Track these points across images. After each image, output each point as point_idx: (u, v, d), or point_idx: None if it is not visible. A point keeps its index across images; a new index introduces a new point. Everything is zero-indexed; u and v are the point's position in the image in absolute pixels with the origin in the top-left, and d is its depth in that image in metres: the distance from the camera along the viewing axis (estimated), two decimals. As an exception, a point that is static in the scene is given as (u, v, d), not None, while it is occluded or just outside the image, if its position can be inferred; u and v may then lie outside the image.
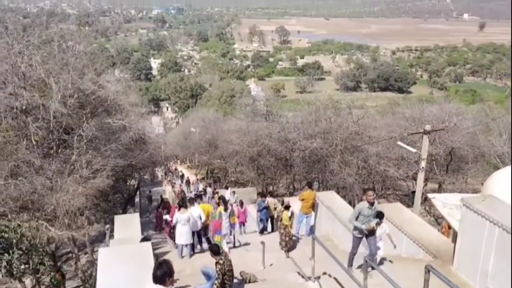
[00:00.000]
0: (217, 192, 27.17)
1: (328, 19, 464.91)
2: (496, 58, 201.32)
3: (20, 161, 14.08)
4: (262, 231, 16.88)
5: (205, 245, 13.30)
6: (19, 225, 12.37)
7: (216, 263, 8.63)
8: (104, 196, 20.44)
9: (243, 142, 28.36)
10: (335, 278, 9.26)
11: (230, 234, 14.22)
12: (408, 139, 23.23)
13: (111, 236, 13.51)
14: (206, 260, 10.21)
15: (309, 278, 9.42)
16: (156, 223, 22.40)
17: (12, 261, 11.65)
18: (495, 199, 8.23)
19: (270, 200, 17.12)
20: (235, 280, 9.26)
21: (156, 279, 5.48)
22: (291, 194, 28.17)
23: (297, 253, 12.83)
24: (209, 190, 31.98)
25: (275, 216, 16.32)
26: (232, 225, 14.29)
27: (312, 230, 14.83)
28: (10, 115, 14.97)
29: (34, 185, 13.68)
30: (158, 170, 52.89)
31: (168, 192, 35.79)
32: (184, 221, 12.55)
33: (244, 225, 18.72)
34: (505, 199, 8.10)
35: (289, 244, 12.93)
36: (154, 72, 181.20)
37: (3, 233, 11.73)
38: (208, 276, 8.81)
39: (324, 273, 9.57)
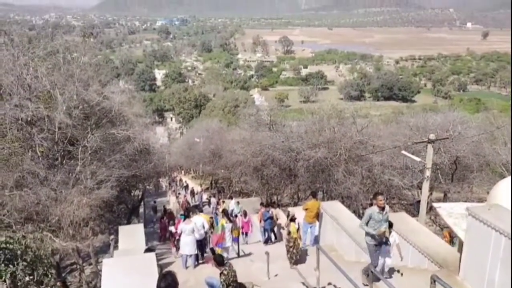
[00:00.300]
0: (223, 202, 27.14)
1: (331, 29, 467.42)
2: (500, 66, 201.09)
3: (25, 172, 14.13)
4: (267, 241, 16.83)
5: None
6: (23, 236, 12.38)
7: (221, 273, 8.59)
8: (109, 206, 20.46)
9: (247, 152, 28.34)
10: (340, 289, 9.20)
11: (233, 245, 14.19)
12: (412, 148, 23.16)
13: (116, 247, 13.50)
14: (210, 271, 10.18)
15: (314, 288, 9.36)
16: (161, 233, 22.36)
17: (17, 273, 11.64)
18: (501, 208, 8.17)
19: (273, 211, 17.12)
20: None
21: (161, 291, 5.45)
22: (296, 204, 28.05)
23: (301, 263, 12.75)
24: (213, 200, 31.93)
25: (284, 227, 16.26)
26: (234, 239, 14.27)
27: (316, 240, 14.75)
28: (16, 126, 15.06)
29: (38, 196, 13.72)
30: (162, 180, 52.91)
31: (172, 202, 35.76)
32: (189, 231, 12.54)
33: (247, 235, 18.68)
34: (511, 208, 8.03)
35: (297, 257, 12.80)
36: (158, 82, 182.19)
37: (8, 245, 11.73)
38: (212, 287, 8.77)
39: (329, 284, 9.51)
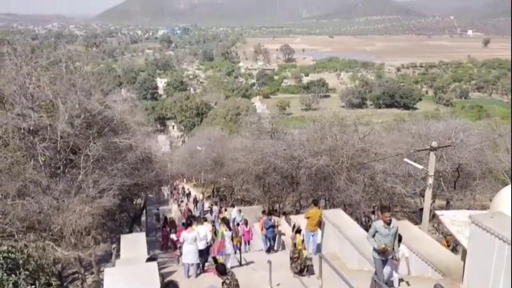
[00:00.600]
0: (225, 210, 27.09)
1: (332, 37, 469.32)
2: (502, 73, 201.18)
3: (27, 181, 14.14)
4: (269, 249, 16.78)
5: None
6: (25, 245, 12.35)
7: (223, 283, 8.55)
8: (111, 215, 20.44)
9: (249, 160, 28.33)
10: (343, 298, 9.13)
11: (235, 253, 14.15)
12: (415, 155, 23.11)
13: (118, 256, 13.46)
14: (212, 280, 10.13)
15: (317, 297, 9.31)
16: (162, 242, 22.33)
17: (19, 282, 11.60)
18: (505, 216, 8.13)
19: (275, 219, 17.08)
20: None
21: (163, 300, 5.43)
22: (298, 212, 27.98)
23: (304, 272, 12.68)
24: (215, 208, 31.87)
25: (290, 238, 16.16)
26: (236, 247, 14.23)
27: (319, 249, 14.70)
28: (18, 135, 15.11)
29: (41, 205, 13.72)
30: (164, 188, 52.90)
31: (174, 210, 35.71)
32: (191, 240, 12.51)
33: (249, 243, 18.64)
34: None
35: (301, 266, 12.70)
36: (160, 91, 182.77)
37: (10, 254, 11.70)
38: (214, 296, 8.72)
39: (332, 292, 9.46)
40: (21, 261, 11.77)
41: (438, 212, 10.86)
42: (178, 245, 15.91)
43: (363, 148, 24.68)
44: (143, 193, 30.70)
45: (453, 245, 19.46)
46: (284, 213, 26.52)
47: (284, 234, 17.92)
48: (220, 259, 12.86)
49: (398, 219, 23.00)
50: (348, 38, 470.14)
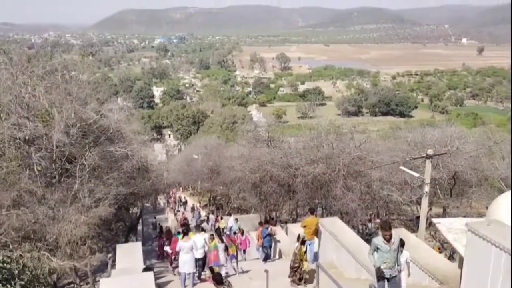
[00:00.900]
0: (222, 218, 27.02)
1: (328, 45, 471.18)
2: (496, 81, 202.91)
3: (23, 191, 14.07)
4: (266, 258, 16.70)
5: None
6: (21, 255, 12.27)
7: (220, 292, 8.51)
8: (107, 224, 20.33)
9: (245, 169, 28.28)
10: (340, 307, 9.08)
11: (228, 263, 14.11)
12: (411, 163, 23.16)
13: (113, 266, 13.38)
14: (209, 290, 10.08)
15: (314, 307, 9.25)
16: (159, 252, 22.20)
17: (14, 293, 11.50)
18: (501, 223, 8.14)
19: (272, 228, 17.05)
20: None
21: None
22: (294, 221, 27.91)
23: (302, 281, 12.61)
24: (211, 217, 31.79)
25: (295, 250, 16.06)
26: (231, 256, 14.16)
27: (316, 257, 14.64)
28: (13, 145, 15.05)
29: (36, 214, 13.64)
30: (160, 197, 52.73)
31: (170, 219, 35.58)
32: (187, 249, 12.43)
33: (245, 252, 18.59)
34: (511, 223, 8.00)
35: (301, 276, 12.60)
36: (157, 100, 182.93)
37: (5, 264, 11.61)
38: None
39: (330, 302, 9.40)
40: (16, 271, 11.68)
41: (434, 220, 10.85)
42: (173, 257, 15.82)
43: (359, 156, 24.72)
44: (139, 202, 30.59)
45: (450, 253, 19.48)
46: (285, 222, 26.43)
47: (279, 242, 17.86)
48: (216, 268, 12.79)
49: (395, 227, 23.02)
50: (344, 46, 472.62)
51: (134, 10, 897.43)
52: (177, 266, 13.80)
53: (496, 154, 27.48)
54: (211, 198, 46.75)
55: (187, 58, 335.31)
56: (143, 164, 24.52)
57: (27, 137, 14.96)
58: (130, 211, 30.02)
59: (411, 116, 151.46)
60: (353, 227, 20.28)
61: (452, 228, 9.98)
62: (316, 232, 14.76)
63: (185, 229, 13.64)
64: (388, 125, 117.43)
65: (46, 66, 18.04)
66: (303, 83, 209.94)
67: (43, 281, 12.81)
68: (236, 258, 15.17)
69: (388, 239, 8.56)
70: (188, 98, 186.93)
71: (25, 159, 15.18)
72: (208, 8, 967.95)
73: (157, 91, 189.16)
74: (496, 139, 27.86)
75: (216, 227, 22.01)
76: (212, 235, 13.74)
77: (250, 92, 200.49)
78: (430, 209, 25.26)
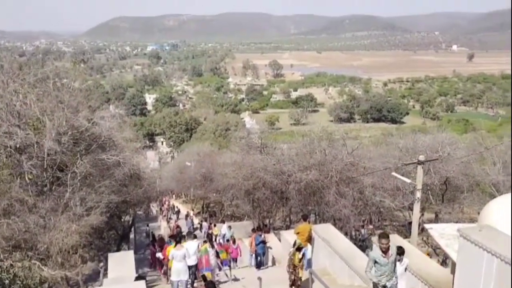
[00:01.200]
0: (215, 225, 26.91)
1: (320, 52, 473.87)
2: (487, 87, 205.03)
3: (14, 200, 13.93)
4: (259, 266, 16.65)
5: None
6: (11, 265, 12.14)
7: (212, 300, 8.46)
8: (98, 233, 20.19)
9: (239, 176, 28.25)
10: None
11: (220, 270, 14.07)
12: (403, 169, 23.27)
13: (105, 275, 13.27)
14: (202, 298, 10.02)
15: (308, 314, 9.23)
16: (151, 260, 22.04)
17: (4, 303, 11.38)
18: (493, 229, 8.18)
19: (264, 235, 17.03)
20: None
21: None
22: (288, 227, 27.89)
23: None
24: (205, 224, 31.66)
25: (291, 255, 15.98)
26: (224, 262, 14.11)
27: (309, 264, 14.61)
28: (4, 153, 14.92)
29: (27, 223, 13.50)
30: (153, 205, 52.46)
31: (163, 227, 35.38)
32: (180, 257, 12.36)
33: (236, 260, 18.50)
34: (502, 228, 8.05)
35: (297, 283, 12.52)
36: (149, 107, 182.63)
37: (-5, 274, 11.50)
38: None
39: (323, 309, 9.38)
40: (7, 281, 11.58)
41: (427, 226, 10.89)
42: (164, 262, 15.73)
43: (351, 162, 24.79)
44: (131, 210, 30.41)
45: (443, 258, 19.53)
46: (278, 229, 26.40)
47: (271, 248, 17.80)
48: (209, 275, 12.74)
49: (388, 233, 23.01)
50: (336, 53, 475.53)
51: (127, 17, 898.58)
52: (168, 273, 13.75)
53: (487, 160, 27.66)
54: (204, 206, 46.58)
55: (180, 65, 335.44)
56: (135, 172, 24.42)
57: (18, 145, 14.84)
58: (122, 219, 29.83)
59: (403, 123, 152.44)
60: (346, 233, 20.30)
61: (444, 233, 10.02)
62: (309, 239, 14.75)
63: (178, 238, 13.56)
64: (380, 131, 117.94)
65: (38, 74, 17.94)
66: (295, 90, 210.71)
67: (34, 291, 12.67)
68: (229, 265, 15.12)
69: (385, 250, 8.36)
70: (180, 105, 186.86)
71: (16, 167, 15.05)
72: (201, 15, 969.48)
73: (150, 98, 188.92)
74: (487, 145, 28.05)
75: (209, 233, 21.94)
76: (205, 241, 13.71)
77: (243, 99, 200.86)
78: (422, 214, 25.36)
